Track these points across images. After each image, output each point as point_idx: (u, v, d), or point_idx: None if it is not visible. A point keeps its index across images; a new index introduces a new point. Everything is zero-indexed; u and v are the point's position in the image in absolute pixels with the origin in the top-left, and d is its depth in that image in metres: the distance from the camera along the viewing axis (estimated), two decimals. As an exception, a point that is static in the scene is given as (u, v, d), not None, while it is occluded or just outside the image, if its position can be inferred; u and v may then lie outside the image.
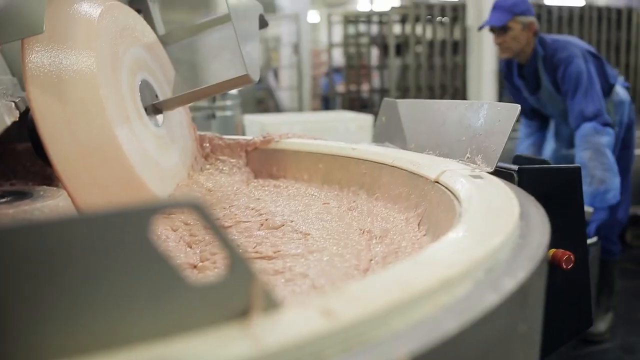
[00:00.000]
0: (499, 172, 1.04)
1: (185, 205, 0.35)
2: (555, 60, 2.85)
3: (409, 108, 1.29)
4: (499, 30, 2.87)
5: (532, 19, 2.87)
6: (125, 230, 0.34)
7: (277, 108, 10.68)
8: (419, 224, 0.94)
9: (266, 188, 1.26)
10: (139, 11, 1.41)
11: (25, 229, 0.34)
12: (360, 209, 1.06)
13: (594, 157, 2.68)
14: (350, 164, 1.18)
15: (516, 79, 3.09)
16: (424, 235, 0.89)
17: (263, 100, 10.55)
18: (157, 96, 1.23)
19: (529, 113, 3.32)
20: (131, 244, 0.34)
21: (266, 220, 1.01)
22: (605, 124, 2.75)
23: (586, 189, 2.67)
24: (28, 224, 0.34)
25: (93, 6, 1.11)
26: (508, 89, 3.28)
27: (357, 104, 8.55)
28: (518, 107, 1.07)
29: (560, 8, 8.42)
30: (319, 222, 1.00)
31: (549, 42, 2.92)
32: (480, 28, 3.04)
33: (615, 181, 2.74)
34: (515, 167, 1.10)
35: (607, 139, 2.71)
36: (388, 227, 0.95)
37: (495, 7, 2.89)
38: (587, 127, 2.72)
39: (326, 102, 10.28)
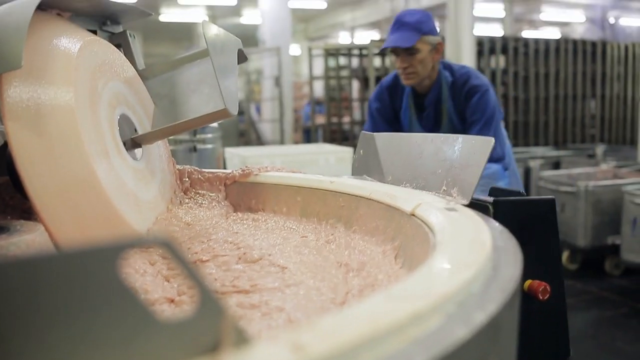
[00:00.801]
0: (474, 205, 1.06)
1: (156, 242, 0.35)
2: (468, 86, 2.53)
3: (386, 141, 1.31)
4: (404, 52, 2.49)
5: (439, 38, 2.55)
6: (94, 267, 0.34)
7: (259, 140, 10.71)
8: (395, 257, 0.94)
9: (245, 221, 1.26)
10: (118, 46, 1.42)
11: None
12: (338, 242, 1.06)
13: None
14: (328, 197, 1.19)
15: (404, 112, 2.69)
16: (400, 268, 0.90)
17: (245, 132, 10.59)
18: (136, 130, 1.24)
19: None
20: (100, 281, 0.34)
21: (244, 254, 1.01)
22: (505, 169, 2.57)
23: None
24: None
25: (72, 41, 1.12)
26: (379, 126, 2.72)
27: (338, 136, 8.61)
28: (492, 140, 1.09)
29: (536, 41, 8.59)
30: (296, 255, 1.00)
31: (455, 68, 2.63)
32: (383, 50, 2.61)
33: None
34: (491, 199, 1.12)
35: (505, 183, 2.50)
36: (365, 260, 0.95)
37: (399, 25, 2.49)
38: (493, 167, 2.43)
39: (308, 134, 10.34)
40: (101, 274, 0.34)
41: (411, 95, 2.65)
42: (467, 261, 0.64)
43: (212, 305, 0.38)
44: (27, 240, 0.88)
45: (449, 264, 0.63)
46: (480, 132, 2.44)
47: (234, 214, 1.34)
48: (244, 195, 1.37)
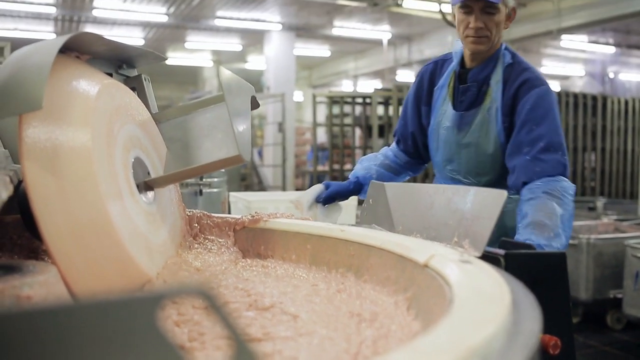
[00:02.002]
0: (486, 257, 1.06)
1: (194, 292, 0.35)
2: (526, 76, 2.05)
3: (396, 191, 1.31)
4: (484, 8, 2.03)
5: (514, 3, 2.13)
6: (133, 317, 0.34)
7: (260, 184, 10.74)
8: (408, 308, 0.94)
9: (254, 268, 1.26)
10: (133, 89, 1.44)
11: (27, 315, 0.34)
12: (349, 291, 1.06)
13: (568, 219, 1.84)
14: (339, 246, 1.18)
15: (439, 90, 2.22)
16: (414, 320, 0.89)
17: (246, 176, 10.62)
18: (149, 173, 1.24)
19: (410, 144, 2.34)
20: (139, 331, 0.34)
21: (255, 301, 1.00)
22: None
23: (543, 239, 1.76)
24: (30, 310, 0.34)
25: (91, 84, 1.13)
26: (406, 114, 2.33)
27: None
28: (505, 193, 1.09)
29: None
30: (308, 304, 1.00)
31: (516, 54, 2.18)
32: (465, 4, 2.06)
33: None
34: (502, 252, 1.12)
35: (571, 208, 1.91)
36: (377, 311, 0.95)
37: None
38: (572, 185, 1.93)
39: (312, 179, 10.38)
40: (140, 323, 0.34)
41: (456, 70, 2.18)
42: (488, 316, 0.63)
43: (248, 358, 0.37)
44: (40, 281, 0.88)
45: (469, 318, 0.63)
46: (540, 132, 1.96)
47: (243, 260, 1.34)
48: (253, 241, 1.37)
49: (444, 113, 2.18)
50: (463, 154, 2.13)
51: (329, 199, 2.03)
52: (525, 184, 1.92)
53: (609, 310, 4.85)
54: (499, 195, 1.08)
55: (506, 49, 2.15)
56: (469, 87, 2.11)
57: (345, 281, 1.12)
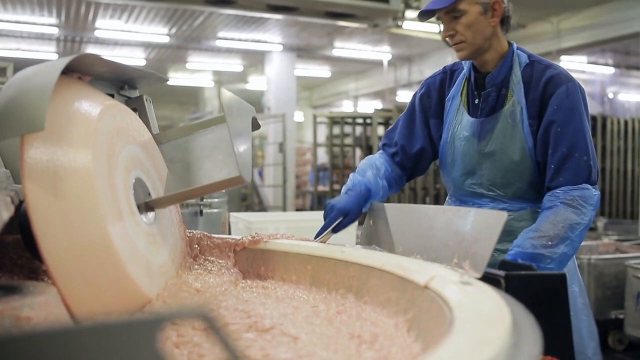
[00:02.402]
0: (486, 278, 1.05)
1: (195, 314, 0.35)
2: (551, 73, 1.91)
3: (397, 212, 1.31)
4: (446, 15, 1.93)
5: None
6: (134, 339, 0.34)
7: (260, 205, 10.73)
8: (408, 330, 0.93)
9: (254, 289, 1.26)
10: (134, 110, 1.45)
11: (27, 338, 0.34)
12: (349, 313, 1.06)
13: (582, 231, 1.79)
14: (339, 267, 1.18)
15: (451, 100, 2.08)
16: (414, 342, 0.89)
17: (247, 196, 10.62)
18: (149, 194, 1.25)
19: (411, 159, 2.15)
20: (139, 353, 0.34)
21: (255, 322, 1.00)
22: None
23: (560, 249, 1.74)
24: (30, 332, 0.34)
25: (92, 105, 1.14)
26: (414, 121, 2.16)
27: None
28: (505, 214, 1.09)
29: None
30: (308, 325, 1.00)
31: (532, 54, 2.03)
32: (422, 16, 1.99)
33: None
34: (503, 273, 1.12)
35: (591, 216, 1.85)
36: (377, 332, 0.94)
37: None
38: (594, 193, 1.84)
39: (313, 199, 10.40)
40: (140, 345, 0.34)
41: (468, 77, 2.05)
42: (488, 338, 0.63)
43: (248, 379, 0.37)
44: (40, 302, 0.88)
45: (470, 340, 0.63)
46: (566, 135, 1.86)
47: (243, 281, 1.34)
48: (254, 262, 1.37)
49: (459, 123, 2.03)
50: (486, 165, 1.96)
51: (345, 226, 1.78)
52: (549, 189, 1.86)
53: (610, 330, 4.82)
54: (499, 217, 1.08)
55: (518, 49, 2.00)
56: (489, 92, 1.97)
57: (345, 302, 1.11)
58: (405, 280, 1.01)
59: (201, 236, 1.39)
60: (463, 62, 2.07)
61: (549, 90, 1.88)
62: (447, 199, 2.20)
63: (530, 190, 1.93)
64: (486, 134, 1.95)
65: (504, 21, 1.97)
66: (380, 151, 2.18)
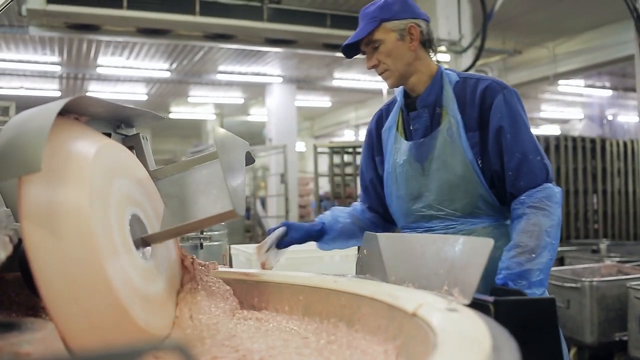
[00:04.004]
0: (476, 304, 1.08)
1: (170, 347, 0.38)
2: (484, 85, 1.94)
3: (388, 241, 1.34)
4: (366, 47, 1.99)
5: (409, 22, 1.96)
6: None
7: (264, 236, 10.72)
8: (396, 356, 0.96)
9: (248, 321, 1.28)
10: (131, 148, 1.49)
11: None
12: (340, 342, 1.08)
13: (556, 231, 1.83)
14: (331, 296, 1.21)
15: (387, 132, 2.11)
16: (403, 368, 0.91)
17: (250, 228, 10.63)
18: (146, 229, 1.27)
19: (372, 197, 2.22)
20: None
21: (243, 355, 1.02)
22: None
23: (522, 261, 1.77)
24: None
25: (88, 145, 1.17)
26: (365, 151, 2.24)
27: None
28: (492, 242, 1.12)
29: (537, 137, 8.69)
30: (297, 356, 1.02)
31: (461, 72, 2.08)
32: (345, 51, 2.04)
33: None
34: (492, 299, 1.14)
35: (558, 213, 1.87)
36: (367, 360, 0.97)
37: (359, 20, 2.01)
38: (556, 190, 1.88)
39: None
40: (119, 375, 0.37)
41: (401, 106, 2.09)
42: (467, 362, 0.66)
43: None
44: (39, 338, 0.90)
45: (449, 364, 0.65)
46: (516, 141, 1.89)
47: (239, 312, 1.36)
48: (247, 293, 1.39)
49: (397, 150, 2.06)
50: (432, 184, 1.97)
51: (288, 244, 2.02)
52: (512, 195, 1.90)
53: (615, 353, 4.79)
54: (486, 244, 1.11)
55: (447, 69, 2.06)
56: (419, 112, 2.01)
57: (337, 331, 1.14)
58: (395, 308, 1.03)
59: (199, 269, 1.41)
60: (396, 93, 2.13)
61: (487, 101, 1.92)
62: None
63: (481, 204, 1.94)
64: (427, 155, 1.98)
65: (427, 43, 2.02)
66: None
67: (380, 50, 1.97)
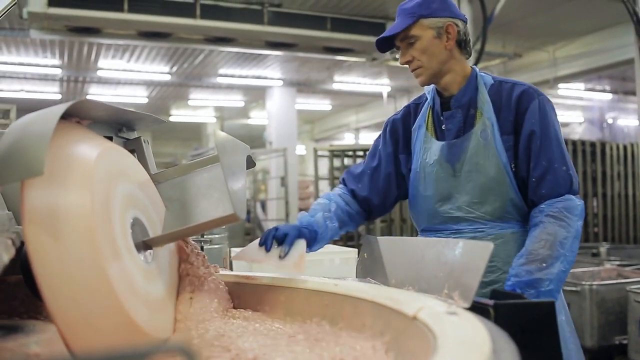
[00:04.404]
0: (476, 308, 1.08)
1: (174, 349, 0.39)
2: (520, 90, 1.94)
3: (389, 245, 1.35)
4: (401, 42, 1.98)
5: (446, 20, 1.95)
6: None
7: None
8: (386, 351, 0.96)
9: (237, 320, 1.29)
10: (132, 151, 1.49)
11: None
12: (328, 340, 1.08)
13: (572, 243, 1.80)
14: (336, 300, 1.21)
15: (417, 131, 2.09)
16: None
17: (250, 231, 10.63)
18: (147, 233, 1.28)
19: (373, 192, 2.13)
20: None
21: (237, 355, 1.03)
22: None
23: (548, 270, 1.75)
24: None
25: (90, 148, 1.18)
26: (382, 154, 2.15)
27: (342, 236, 8.59)
28: (491, 245, 1.13)
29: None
30: (291, 354, 1.02)
31: (497, 76, 2.07)
32: (380, 44, 2.04)
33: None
34: (491, 302, 1.14)
35: (579, 226, 1.85)
36: (358, 355, 0.97)
37: (397, 15, 2.00)
38: (577, 203, 1.85)
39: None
40: (124, 378, 0.37)
41: (432, 104, 2.07)
42: (466, 365, 0.66)
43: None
44: (46, 339, 0.91)
45: (448, 367, 0.66)
46: (544, 148, 1.87)
47: (234, 310, 1.36)
48: (245, 295, 1.39)
49: (428, 150, 2.03)
50: (463, 186, 1.95)
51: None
52: (533, 203, 1.88)
53: (615, 356, 4.79)
54: (486, 248, 1.12)
55: (481, 72, 2.04)
56: (453, 112, 1.99)
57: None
58: (394, 311, 1.03)
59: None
60: (426, 92, 2.10)
61: (523, 106, 1.91)
62: (418, 235, 2.13)
63: (511, 209, 1.92)
64: (460, 156, 1.95)
65: (462, 44, 2.00)
66: (340, 186, 2.18)
67: (415, 47, 1.95)
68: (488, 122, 1.93)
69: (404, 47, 1.98)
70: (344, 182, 2.18)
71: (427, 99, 2.10)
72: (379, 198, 2.13)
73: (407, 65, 2.01)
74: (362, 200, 2.13)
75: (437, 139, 2.02)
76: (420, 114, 2.10)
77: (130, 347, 0.38)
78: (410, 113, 2.14)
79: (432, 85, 2.06)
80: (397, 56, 2.02)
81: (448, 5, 1.98)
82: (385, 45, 2.03)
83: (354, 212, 2.11)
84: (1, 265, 0.94)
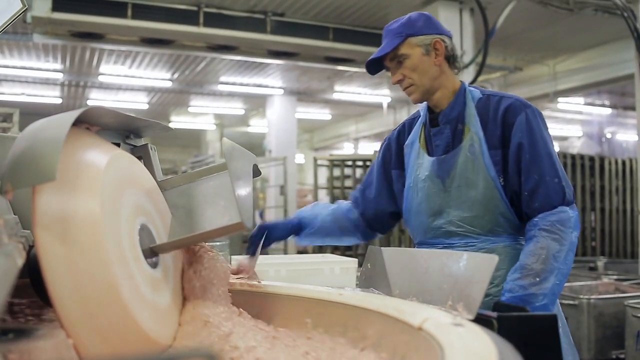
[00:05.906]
0: (479, 319, 1.09)
1: (200, 354, 0.40)
2: (508, 103, 1.95)
3: (393, 256, 1.36)
4: (390, 63, 2.02)
5: (433, 37, 1.98)
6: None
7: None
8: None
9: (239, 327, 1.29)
10: (139, 158, 1.50)
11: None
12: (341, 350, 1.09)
13: (566, 256, 1.81)
14: (337, 309, 1.22)
15: (410, 146, 2.12)
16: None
17: (248, 239, 10.61)
18: (154, 240, 1.29)
19: (371, 210, 2.21)
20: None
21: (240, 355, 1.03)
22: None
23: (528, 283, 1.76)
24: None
25: (100, 155, 1.19)
26: (375, 172, 2.24)
27: (342, 245, 8.60)
28: (496, 258, 1.14)
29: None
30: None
31: (484, 89, 2.10)
32: (369, 67, 2.07)
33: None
34: (495, 315, 1.16)
35: (574, 237, 1.85)
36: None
37: (384, 36, 2.04)
38: (571, 215, 1.85)
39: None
40: (153, 381, 0.38)
41: (424, 120, 2.09)
42: (474, 376, 0.67)
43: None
44: (52, 344, 0.92)
45: (457, 378, 0.67)
46: (534, 161, 1.88)
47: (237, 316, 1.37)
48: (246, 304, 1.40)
49: (420, 165, 2.05)
50: (453, 201, 1.96)
51: (269, 244, 2.06)
52: (527, 216, 1.88)
53: (611, 371, 4.80)
54: (490, 260, 1.13)
55: (470, 85, 2.06)
56: (441, 128, 2.01)
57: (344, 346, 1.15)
58: (400, 322, 1.04)
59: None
60: (420, 108, 2.14)
61: (509, 120, 1.92)
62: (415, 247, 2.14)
63: (502, 222, 1.93)
64: (449, 171, 1.97)
65: (450, 59, 2.03)
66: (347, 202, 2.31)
67: (405, 65, 1.98)
68: (476, 137, 1.94)
69: (394, 67, 2.02)
70: (353, 202, 2.27)
71: (420, 115, 2.14)
72: (374, 213, 2.21)
73: (399, 84, 2.05)
74: (361, 214, 2.22)
75: (429, 154, 2.05)
76: (414, 130, 2.13)
77: (163, 353, 0.39)
78: (404, 130, 2.19)
79: (425, 104, 2.09)
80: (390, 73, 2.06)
81: (432, 22, 2.02)
82: (375, 67, 2.07)
83: (353, 218, 2.21)
84: (16, 269, 0.94)
